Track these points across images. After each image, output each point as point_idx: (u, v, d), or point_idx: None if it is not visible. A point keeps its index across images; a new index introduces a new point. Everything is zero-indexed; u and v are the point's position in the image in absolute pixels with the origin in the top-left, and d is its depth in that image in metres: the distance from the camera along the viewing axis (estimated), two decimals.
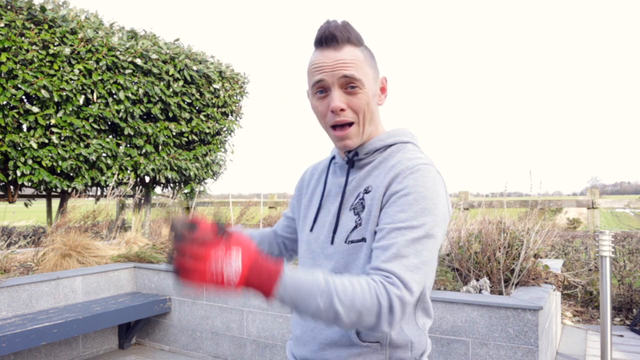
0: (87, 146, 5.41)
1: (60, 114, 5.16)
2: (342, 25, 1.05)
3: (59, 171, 5.27)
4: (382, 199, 1.01)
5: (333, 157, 1.19)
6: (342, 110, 1.03)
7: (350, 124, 1.05)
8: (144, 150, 5.98)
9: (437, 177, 1.00)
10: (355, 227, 1.05)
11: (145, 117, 6.16)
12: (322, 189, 1.19)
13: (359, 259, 1.03)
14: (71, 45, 5.22)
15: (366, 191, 1.06)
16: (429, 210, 0.95)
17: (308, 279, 0.86)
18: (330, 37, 1.04)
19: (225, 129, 7.13)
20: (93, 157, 5.41)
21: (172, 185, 6.86)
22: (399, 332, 1.04)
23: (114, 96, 5.65)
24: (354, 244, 1.04)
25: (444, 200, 1.00)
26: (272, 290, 0.84)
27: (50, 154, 5.08)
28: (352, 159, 1.10)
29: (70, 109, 5.21)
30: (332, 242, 1.08)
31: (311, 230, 1.16)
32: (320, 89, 1.05)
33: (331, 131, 1.07)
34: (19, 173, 4.90)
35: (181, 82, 6.21)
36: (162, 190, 7.12)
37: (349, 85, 1.03)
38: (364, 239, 1.03)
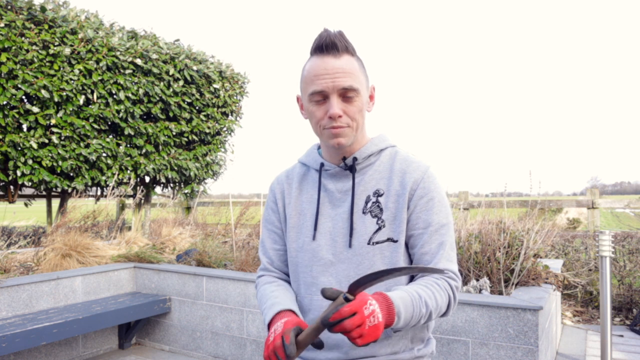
0: (87, 146, 5.42)
1: (60, 114, 5.16)
2: (340, 34, 1.13)
3: (59, 171, 5.27)
4: (409, 203, 1.13)
5: (322, 165, 1.22)
6: (339, 116, 1.11)
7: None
8: (144, 150, 5.98)
9: (437, 175, 1.18)
10: (379, 229, 1.13)
11: (145, 117, 6.17)
12: (316, 196, 1.21)
13: (387, 258, 1.13)
14: (71, 46, 5.23)
15: (378, 194, 1.16)
16: (447, 206, 1.16)
17: (407, 297, 1.01)
18: (331, 45, 1.11)
19: (225, 129, 7.13)
20: (93, 157, 5.41)
21: (172, 185, 6.86)
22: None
23: (114, 96, 5.65)
24: (379, 244, 1.13)
25: None
26: (394, 319, 0.96)
27: (50, 154, 5.08)
28: (354, 164, 1.17)
29: (71, 109, 5.21)
30: (350, 246, 1.14)
31: (314, 238, 1.18)
32: (319, 98, 1.12)
33: (324, 131, 1.13)
34: (19, 173, 4.91)
35: (181, 82, 6.21)
36: (163, 190, 7.13)
37: (347, 94, 1.11)
38: (391, 239, 1.13)
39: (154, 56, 5.89)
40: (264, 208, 1.38)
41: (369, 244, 1.12)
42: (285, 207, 1.26)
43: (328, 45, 1.10)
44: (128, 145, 5.96)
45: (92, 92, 5.42)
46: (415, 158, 1.19)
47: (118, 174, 5.79)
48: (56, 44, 5.11)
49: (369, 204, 1.15)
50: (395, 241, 1.12)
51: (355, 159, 1.17)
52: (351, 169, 1.17)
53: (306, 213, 1.21)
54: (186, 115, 6.38)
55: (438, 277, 1.10)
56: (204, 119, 6.65)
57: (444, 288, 1.09)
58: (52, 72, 5.04)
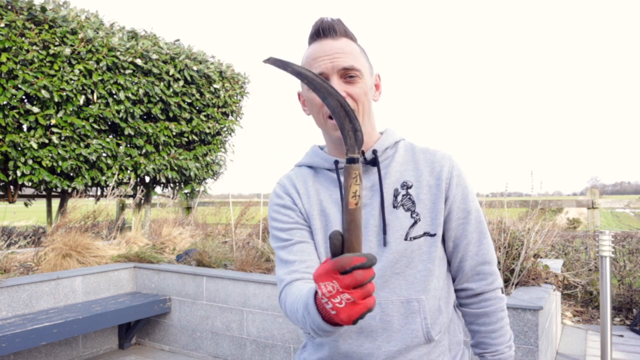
0: (87, 146, 5.42)
1: (60, 114, 5.16)
2: (339, 20, 1.08)
3: (59, 171, 5.27)
4: (447, 193, 1.09)
5: (336, 162, 1.10)
6: None
7: None
8: (144, 150, 5.98)
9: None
10: (415, 222, 1.06)
11: (145, 117, 6.17)
12: (337, 195, 1.10)
13: (425, 254, 1.06)
14: (71, 46, 5.23)
15: (407, 186, 1.08)
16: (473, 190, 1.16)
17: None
18: (329, 28, 1.05)
19: (225, 129, 7.13)
20: (93, 157, 5.42)
21: (172, 185, 6.86)
22: (453, 318, 1.16)
23: (114, 96, 5.66)
24: (416, 240, 1.05)
25: None
26: None
27: (50, 154, 5.08)
28: (376, 157, 1.09)
29: (71, 109, 5.21)
30: (385, 244, 1.05)
31: None
32: None
33: (328, 121, 1.04)
34: (19, 173, 4.91)
35: (181, 82, 6.21)
36: (163, 190, 7.13)
37: (348, 75, 1.03)
38: (427, 234, 1.06)
39: (154, 56, 5.89)
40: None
41: (406, 239, 1.04)
42: (304, 205, 1.12)
43: (325, 29, 1.05)
44: (128, 145, 5.96)
45: (92, 92, 5.42)
46: (435, 148, 1.14)
47: (118, 174, 5.79)
48: (56, 44, 5.11)
49: (399, 197, 1.07)
50: (433, 235, 1.06)
51: (375, 151, 1.09)
52: (373, 162, 1.09)
53: (328, 213, 1.09)
54: (186, 115, 6.38)
55: (489, 295, 1.13)
56: (204, 119, 6.65)
57: (501, 309, 1.15)
58: (52, 72, 5.04)
